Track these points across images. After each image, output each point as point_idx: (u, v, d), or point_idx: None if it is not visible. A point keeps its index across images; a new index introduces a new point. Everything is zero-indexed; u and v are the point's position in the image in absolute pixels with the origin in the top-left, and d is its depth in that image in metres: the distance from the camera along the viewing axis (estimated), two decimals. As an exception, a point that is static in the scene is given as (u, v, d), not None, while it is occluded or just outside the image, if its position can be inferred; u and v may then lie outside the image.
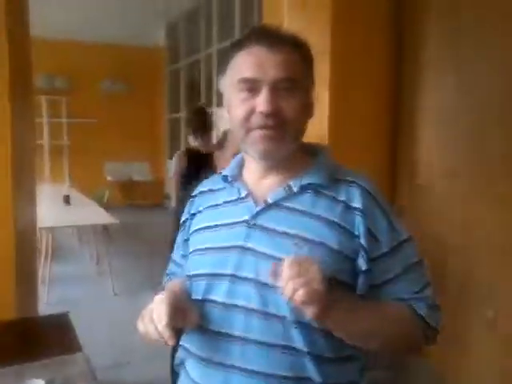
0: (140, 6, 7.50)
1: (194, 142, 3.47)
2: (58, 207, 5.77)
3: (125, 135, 9.76)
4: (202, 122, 3.43)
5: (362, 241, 0.96)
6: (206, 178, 1.22)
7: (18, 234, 2.16)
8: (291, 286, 0.80)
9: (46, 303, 4.32)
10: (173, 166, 3.51)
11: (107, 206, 6.70)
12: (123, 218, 5.91)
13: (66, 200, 5.91)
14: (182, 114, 9.63)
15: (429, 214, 3.00)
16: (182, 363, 1.10)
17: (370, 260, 0.97)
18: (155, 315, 0.89)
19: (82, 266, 5.87)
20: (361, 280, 0.97)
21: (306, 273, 0.81)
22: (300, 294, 0.80)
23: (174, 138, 10.25)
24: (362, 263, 0.96)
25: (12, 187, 2.10)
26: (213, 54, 8.08)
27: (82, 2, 7.12)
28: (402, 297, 0.99)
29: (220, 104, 7.91)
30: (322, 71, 2.91)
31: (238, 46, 1.01)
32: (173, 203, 3.52)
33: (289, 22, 3.30)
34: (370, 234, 0.97)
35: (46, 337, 1.86)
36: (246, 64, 0.97)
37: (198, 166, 3.17)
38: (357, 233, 0.96)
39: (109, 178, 9.50)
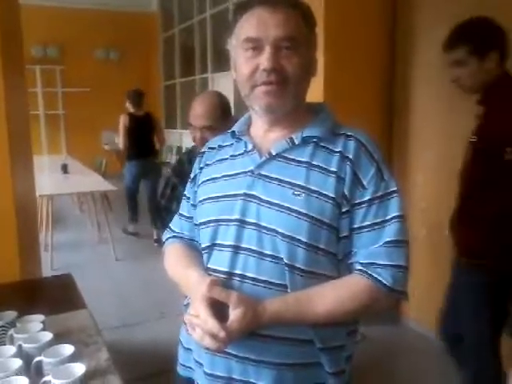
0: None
1: (131, 109, 5.73)
2: (56, 176, 5.82)
3: (120, 103, 9.69)
4: (138, 97, 5.73)
5: (347, 183, 1.03)
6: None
7: (18, 201, 2.19)
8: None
9: (51, 269, 4.43)
10: (121, 123, 5.63)
11: (105, 174, 6.74)
12: (121, 186, 5.96)
13: (64, 169, 5.94)
14: (178, 81, 9.56)
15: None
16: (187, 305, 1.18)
17: (352, 204, 1.03)
18: (200, 321, 0.97)
19: (83, 233, 5.97)
20: (343, 222, 1.04)
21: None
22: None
23: (169, 105, 10.19)
24: (343, 205, 1.03)
25: (10, 156, 2.13)
26: (207, 19, 7.97)
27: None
28: (365, 257, 1.03)
29: (215, 70, 7.85)
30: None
31: (241, 8, 1.08)
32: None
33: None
34: (356, 179, 1.04)
35: (51, 296, 1.93)
36: (249, 24, 1.05)
37: (136, 122, 5.65)
38: (343, 176, 1.04)
39: (106, 147, 9.50)
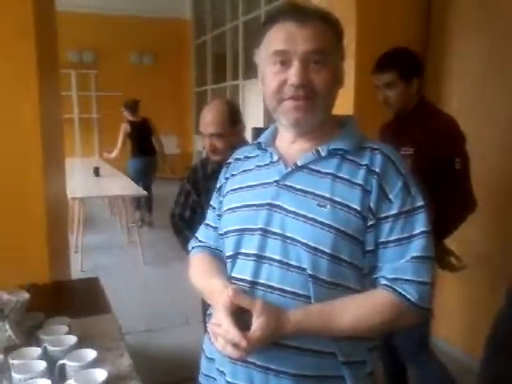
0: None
1: (130, 117, 6.39)
2: (88, 179, 5.93)
3: (152, 108, 9.83)
4: (134, 106, 6.41)
5: (373, 197, 1.03)
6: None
7: (49, 204, 2.23)
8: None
9: (80, 271, 4.50)
10: (122, 130, 6.36)
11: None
12: (153, 190, 6.03)
13: (96, 172, 6.06)
14: (209, 87, 9.64)
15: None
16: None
17: (378, 218, 1.03)
18: (222, 330, 0.97)
19: (113, 236, 6.05)
20: (369, 236, 1.03)
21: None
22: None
23: (200, 110, 10.25)
24: (369, 219, 1.02)
25: (42, 160, 2.18)
26: (239, 26, 8.02)
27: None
28: (391, 272, 1.02)
29: (246, 77, 7.88)
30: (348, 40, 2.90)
31: (270, 22, 1.08)
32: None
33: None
34: (382, 193, 1.03)
35: (78, 299, 1.96)
36: (277, 38, 1.05)
37: (135, 127, 6.37)
38: (369, 189, 1.03)
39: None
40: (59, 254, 2.46)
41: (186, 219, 2.23)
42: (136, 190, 5.34)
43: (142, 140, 6.46)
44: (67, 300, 1.95)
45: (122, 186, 5.65)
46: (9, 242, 2.13)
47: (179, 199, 2.28)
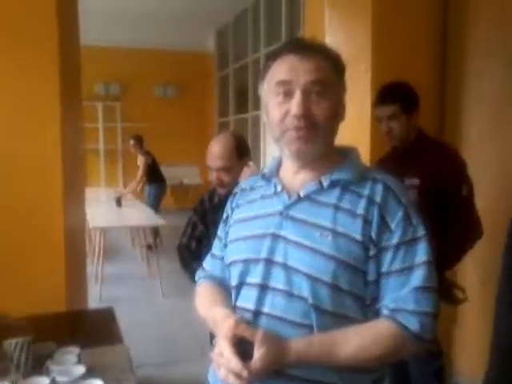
0: (190, 13, 7.68)
1: (140, 149, 7.14)
2: (109, 209, 6.02)
3: (176, 139, 9.99)
4: (141, 141, 7.18)
5: (374, 226, 1.03)
6: None
7: (68, 234, 2.27)
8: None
9: (99, 301, 4.52)
10: (144, 162, 6.95)
11: (158, 209, 6.91)
12: (175, 221, 6.04)
13: (118, 202, 6.14)
14: (232, 118, 9.77)
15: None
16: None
17: (379, 248, 1.03)
18: (224, 360, 0.98)
19: (133, 267, 6.08)
20: (370, 266, 1.03)
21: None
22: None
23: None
24: (371, 249, 1.03)
25: (62, 190, 2.22)
26: (260, 58, 8.16)
27: (134, 12, 7.37)
28: (392, 302, 1.01)
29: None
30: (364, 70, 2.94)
31: (274, 56, 1.13)
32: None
33: (330, 28, 3.34)
34: (383, 222, 1.04)
35: (90, 329, 1.97)
36: (280, 69, 1.09)
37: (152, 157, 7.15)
38: (371, 219, 1.03)
39: (160, 182, 9.73)
40: (76, 283, 2.48)
41: (193, 250, 2.23)
42: (155, 219, 5.38)
43: (158, 168, 7.14)
44: (80, 329, 1.96)
45: (143, 216, 5.70)
46: (26, 269, 2.16)
47: (186, 230, 2.29)
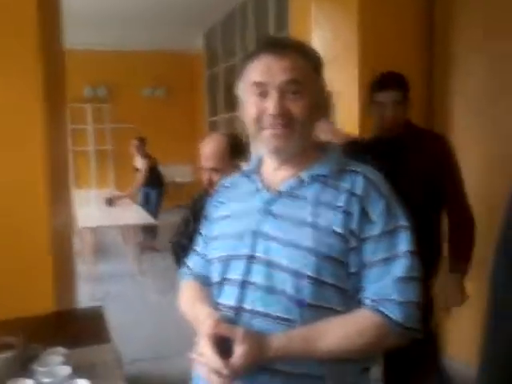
0: (178, 13, 7.64)
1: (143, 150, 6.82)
2: (100, 209, 6.00)
3: (167, 139, 9.94)
4: (144, 143, 6.88)
5: (355, 219, 1.03)
6: None
7: (54, 235, 2.25)
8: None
9: (91, 300, 4.50)
10: (146, 164, 6.63)
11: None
12: (167, 219, 6.04)
13: (109, 202, 6.14)
14: (221, 117, 9.76)
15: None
16: None
17: (361, 239, 1.03)
18: (205, 359, 0.98)
19: (125, 265, 6.04)
20: (352, 258, 1.03)
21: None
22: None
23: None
24: (352, 241, 1.03)
25: (47, 191, 2.21)
26: (249, 56, 8.16)
27: (121, 13, 7.31)
28: (375, 293, 1.02)
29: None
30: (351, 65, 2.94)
31: (249, 56, 1.13)
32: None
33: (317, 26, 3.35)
34: (364, 214, 1.04)
35: (78, 329, 1.96)
36: (256, 70, 1.10)
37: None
38: (351, 211, 1.03)
39: (152, 181, 9.70)
40: (65, 283, 2.46)
41: (185, 247, 2.22)
42: (146, 218, 5.37)
43: (159, 170, 6.94)
44: (68, 330, 1.94)
45: (133, 215, 5.69)
46: (13, 270, 2.14)
47: (180, 228, 2.29)
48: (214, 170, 2.04)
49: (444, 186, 2.19)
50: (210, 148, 2.07)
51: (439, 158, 2.17)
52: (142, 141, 6.90)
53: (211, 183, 2.06)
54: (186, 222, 2.25)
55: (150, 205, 6.66)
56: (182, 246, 2.22)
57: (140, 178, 6.61)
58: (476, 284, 2.74)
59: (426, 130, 2.39)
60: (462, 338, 2.90)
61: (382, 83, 2.25)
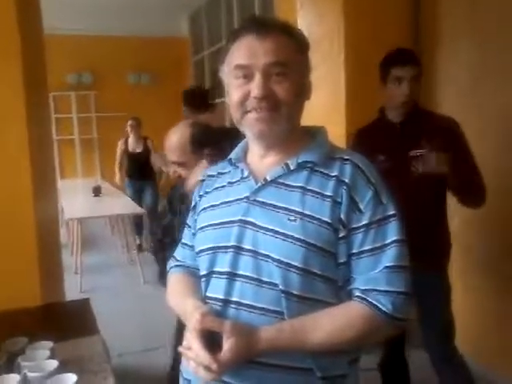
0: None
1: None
2: (87, 199, 5.94)
3: (153, 126, 9.84)
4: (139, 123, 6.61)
5: (343, 208, 1.01)
6: None
7: (40, 227, 2.22)
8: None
9: (80, 292, 4.47)
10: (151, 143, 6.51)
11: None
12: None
13: (96, 192, 6.04)
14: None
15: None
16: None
17: (349, 229, 1.01)
18: (193, 354, 0.96)
19: (114, 255, 6.03)
20: (341, 248, 1.01)
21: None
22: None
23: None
24: (340, 230, 1.01)
25: (32, 182, 2.17)
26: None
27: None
28: (364, 283, 1.00)
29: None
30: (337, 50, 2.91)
31: (232, 37, 1.09)
32: None
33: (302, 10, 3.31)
34: (353, 203, 1.02)
35: (65, 321, 1.94)
36: (239, 52, 1.06)
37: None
38: (340, 200, 1.01)
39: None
40: (51, 275, 2.43)
41: (159, 239, 2.18)
42: (134, 208, 5.32)
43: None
44: (55, 323, 1.91)
45: (121, 205, 5.63)
46: (-1, 264, 2.11)
47: (158, 220, 2.25)
48: (177, 163, 1.92)
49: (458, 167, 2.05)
50: (172, 141, 1.93)
51: (452, 140, 2.09)
52: (138, 121, 6.55)
53: (179, 176, 1.95)
54: (161, 213, 2.21)
55: (146, 201, 6.19)
56: (156, 238, 2.18)
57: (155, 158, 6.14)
58: (479, 281, 2.76)
59: (432, 112, 2.34)
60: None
61: (402, 58, 2.17)
